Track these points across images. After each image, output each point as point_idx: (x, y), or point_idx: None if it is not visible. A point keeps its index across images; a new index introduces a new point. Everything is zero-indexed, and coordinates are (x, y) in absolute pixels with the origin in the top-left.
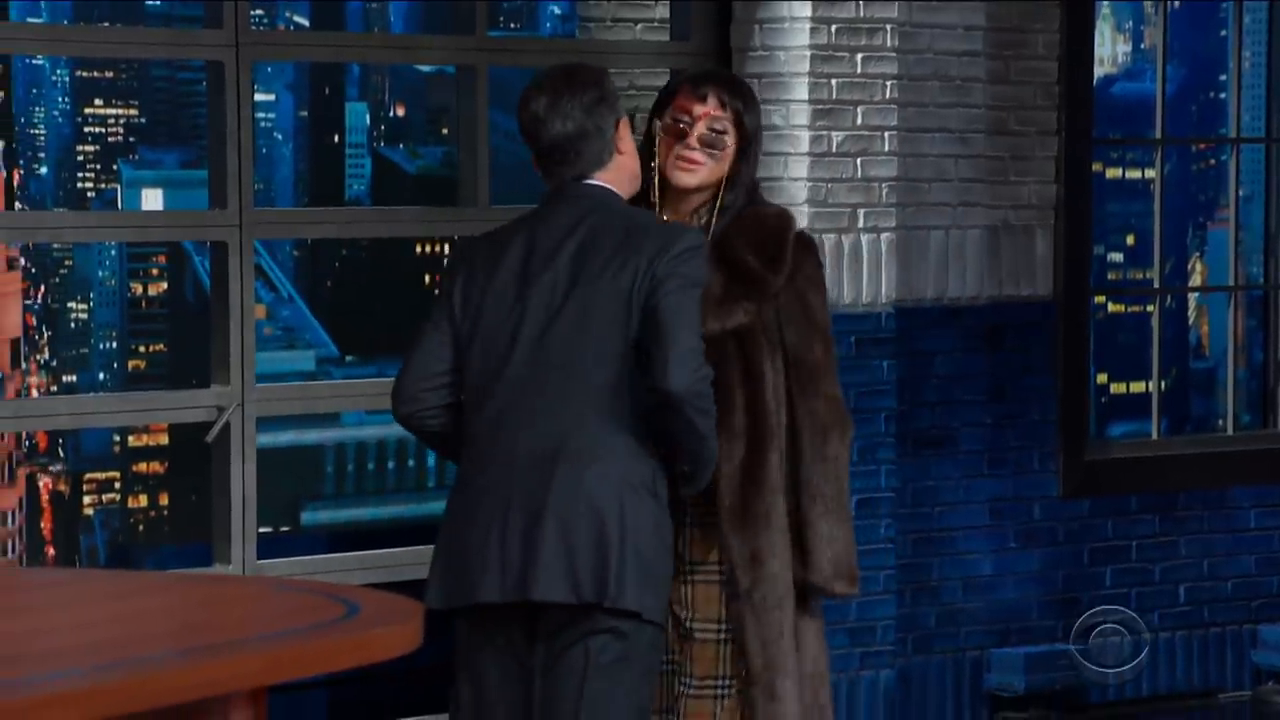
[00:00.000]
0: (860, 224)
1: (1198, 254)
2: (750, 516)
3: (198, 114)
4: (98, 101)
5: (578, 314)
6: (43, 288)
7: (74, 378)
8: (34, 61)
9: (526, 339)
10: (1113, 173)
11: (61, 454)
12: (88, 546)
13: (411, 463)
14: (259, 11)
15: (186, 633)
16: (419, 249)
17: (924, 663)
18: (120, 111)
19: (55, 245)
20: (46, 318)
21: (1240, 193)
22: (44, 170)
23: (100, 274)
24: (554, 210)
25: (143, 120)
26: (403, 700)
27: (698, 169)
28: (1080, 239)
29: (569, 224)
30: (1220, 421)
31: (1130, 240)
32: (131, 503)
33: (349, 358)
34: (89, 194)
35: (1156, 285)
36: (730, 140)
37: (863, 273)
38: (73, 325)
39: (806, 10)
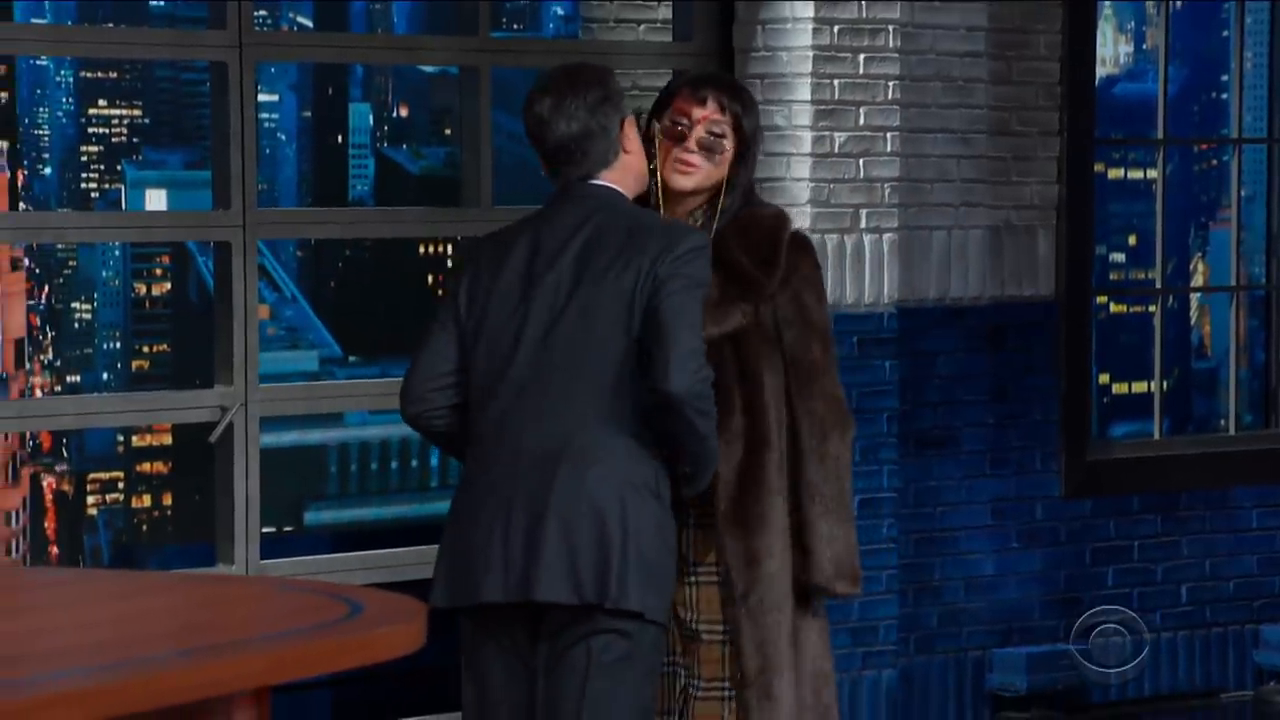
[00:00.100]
0: (862, 224)
1: (1200, 254)
2: (747, 518)
3: (201, 114)
4: (102, 102)
5: (581, 314)
6: (47, 288)
7: (78, 378)
8: (38, 62)
9: (530, 339)
10: (1115, 173)
11: (65, 454)
12: (91, 546)
13: (415, 463)
14: (262, 12)
15: (189, 633)
16: (422, 249)
17: (926, 663)
18: (124, 112)
19: (59, 245)
20: (50, 318)
21: (1242, 193)
22: (48, 171)
23: (104, 274)
24: (559, 210)
25: (146, 121)
26: (406, 700)
27: (695, 172)
28: (1082, 239)
29: (574, 224)
30: (1222, 421)
31: (1132, 240)
32: (135, 503)
33: (352, 358)
34: (93, 194)
35: (1158, 285)
36: (729, 144)
37: (865, 273)
38: (76, 325)
39: (809, 11)
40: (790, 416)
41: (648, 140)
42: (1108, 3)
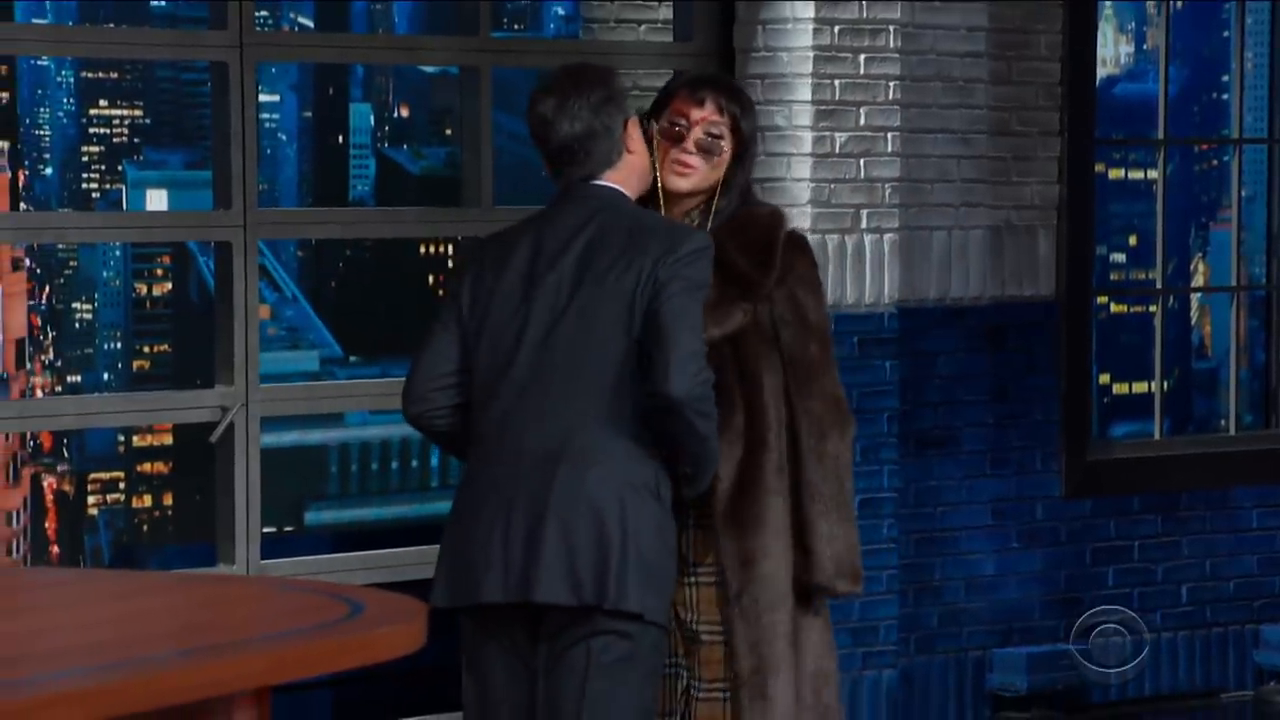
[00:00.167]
0: (863, 224)
1: (1200, 254)
2: (744, 519)
3: (202, 115)
4: (102, 102)
5: (582, 315)
6: (47, 288)
7: (78, 378)
8: (39, 62)
9: (531, 339)
10: (1115, 173)
11: (66, 454)
12: (92, 546)
13: (415, 463)
14: (263, 12)
15: (190, 633)
16: (423, 249)
17: (926, 663)
18: (125, 112)
19: (60, 246)
20: (51, 318)
21: (1243, 193)
22: (49, 171)
23: (105, 274)
24: (561, 211)
25: (147, 121)
26: (406, 700)
27: (692, 173)
28: (1083, 239)
29: (576, 225)
30: (1222, 422)
31: (1133, 241)
32: (136, 503)
33: (353, 358)
34: (94, 194)
35: (1159, 286)
36: (726, 145)
37: (865, 273)
38: (77, 325)
39: (809, 11)
40: (789, 416)
41: (646, 141)
42: (1108, 3)
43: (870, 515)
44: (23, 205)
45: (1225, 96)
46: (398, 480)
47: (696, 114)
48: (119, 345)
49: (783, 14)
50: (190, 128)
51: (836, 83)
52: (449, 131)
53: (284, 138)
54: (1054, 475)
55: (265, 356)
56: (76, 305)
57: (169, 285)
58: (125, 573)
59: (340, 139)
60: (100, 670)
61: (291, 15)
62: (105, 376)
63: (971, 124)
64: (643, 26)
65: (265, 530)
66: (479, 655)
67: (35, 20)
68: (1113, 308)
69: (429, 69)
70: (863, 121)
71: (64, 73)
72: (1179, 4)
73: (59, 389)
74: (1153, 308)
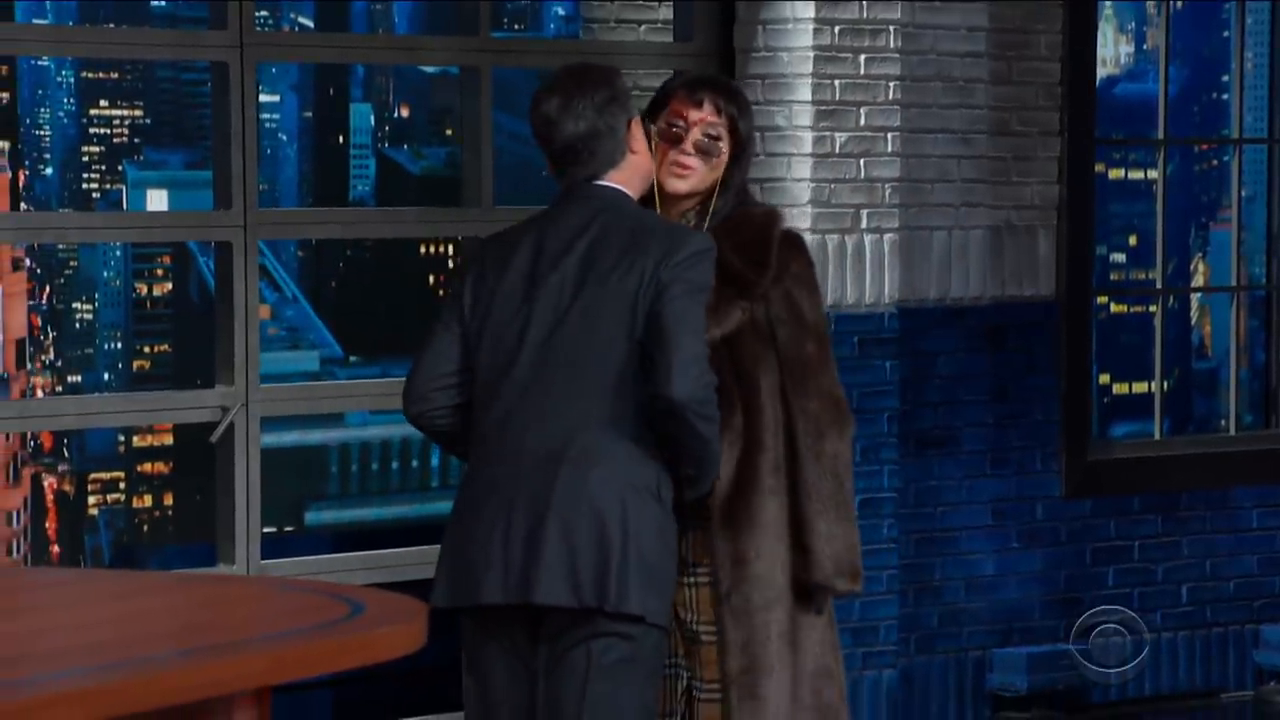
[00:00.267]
0: (863, 224)
1: (1200, 254)
2: (738, 519)
3: (203, 115)
4: (103, 102)
5: (584, 315)
6: (48, 288)
7: (79, 378)
8: (39, 63)
9: (533, 340)
10: (1115, 173)
11: (66, 454)
12: (92, 546)
13: (415, 463)
14: (263, 13)
15: (190, 633)
16: (423, 249)
17: (926, 663)
18: (125, 112)
19: (60, 246)
20: (51, 318)
21: (1243, 193)
22: (49, 171)
23: (105, 274)
24: (564, 211)
25: (148, 121)
26: (407, 700)
27: (691, 174)
28: (1083, 239)
29: (579, 225)
30: (1222, 422)
31: (1133, 241)
32: (136, 503)
33: (353, 358)
34: (94, 195)
35: (1159, 286)
36: (725, 146)
37: (865, 273)
38: (78, 326)
39: (809, 11)
40: (786, 416)
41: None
42: (1108, 3)
43: (870, 515)
44: (23, 205)
45: (1225, 96)
46: (398, 480)
47: (695, 115)
48: (119, 345)
49: (783, 14)
50: (190, 128)
51: (837, 83)
52: (449, 131)
53: (284, 138)
54: (1054, 475)
55: (265, 356)
56: (77, 305)
57: (169, 285)
58: (125, 573)
59: (340, 139)
60: (100, 670)
61: (291, 15)
62: (105, 376)
63: (972, 124)
64: (643, 27)
65: (265, 530)
66: (479, 656)
67: (35, 20)
68: (1113, 308)
69: (429, 69)
70: (863, 121)
71: (64, 73)
72: (1179, 4)
73: (59, 389)
74: (1153, 308)
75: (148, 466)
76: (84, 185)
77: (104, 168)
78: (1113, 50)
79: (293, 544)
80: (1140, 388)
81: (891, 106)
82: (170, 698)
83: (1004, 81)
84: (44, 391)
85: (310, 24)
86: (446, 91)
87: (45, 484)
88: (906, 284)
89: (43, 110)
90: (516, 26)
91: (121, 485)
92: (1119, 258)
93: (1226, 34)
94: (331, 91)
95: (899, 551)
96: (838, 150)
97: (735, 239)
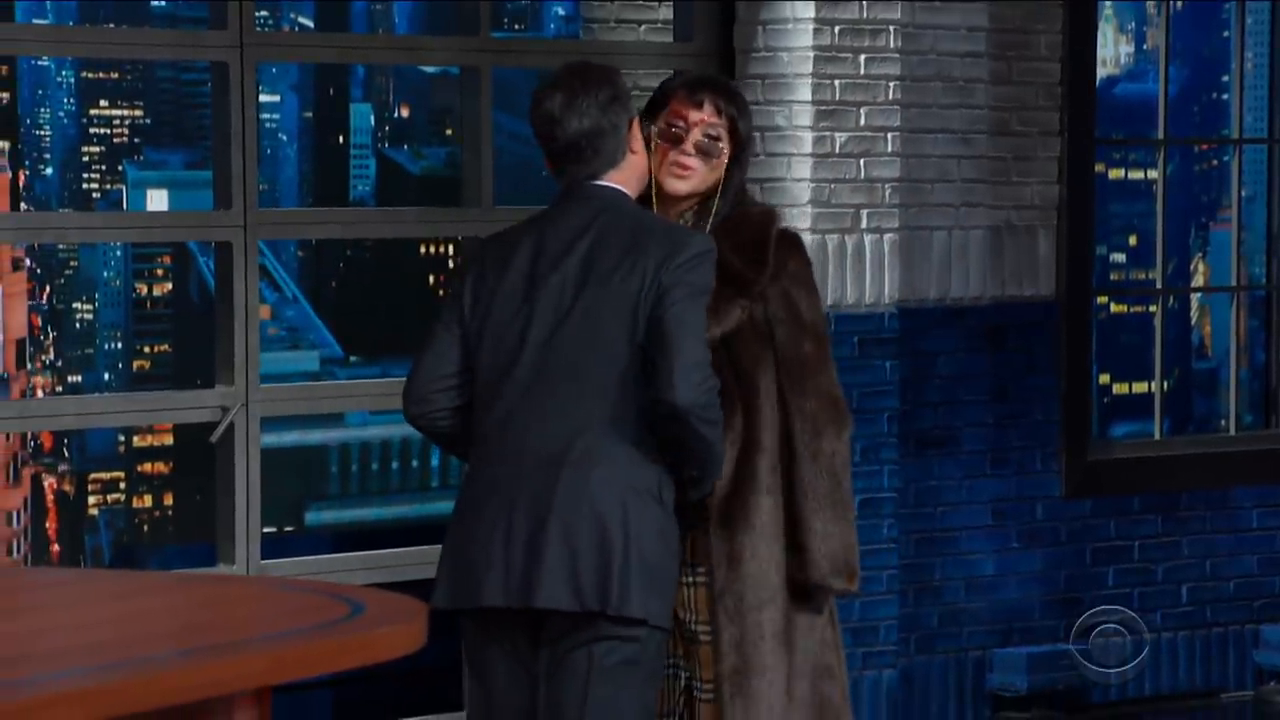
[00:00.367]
0: (863, 225)
1: (1200, 254)
2: (734, 518)
3: (203, 115)
4: (103, 102)
5: (585, 317)
6: (48, 288)
7: (79, 378)
8: (39, 63)
9: (535, 340)
10: (1115, 173)
11: (66, 454)
12: (92, 546)
13: (415, 463)
14: (264, 13)
15: (190, 633)
16: (423, 249)
17: (926, 663)
18: (125, 112)
19: (60, 246)
20: (52, 318)
21: (1243, 193)
22: (49, 171)
23: (105, 274)
24: (564, 211)
25: (148, 121)
26: (407, 700)
27: (692, 175)
28: (1083, 239)
29: (579, 225)
30: (1222, 422)
31: (1133, 241)
32: (136, 503)
33: (353, 358)
34: (94, 195)
35: (1159, 286)
36: (725, 146)
37: (865, 273)
38: (78, 326)
39: (809, 11)
40: (784, 414)
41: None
42: (1108, 3)
43: (870, 515)
44: (23, 205)
45: (1225, 96)
46: (398, 480)
47: (695, 116)
48: (119, 345)
49: (783, 14)
50: (190, 128)
51: (837, 83)
52: (449, 131)
53: (284, 138)
54: (1054, 475)
55: (265, 356)
56: (77, 305)
57: (169, 285)
58: (125, 573)
59: (340, 139)
60: (100, 670)
61: (291, 15)
62: (106, 376)
63: (971, 124)
64: (643, 27)
65: (265, 530)
66: (481, 658)
67: (35, 20)
68: (1113, 308)
69: (429, 69)
70: (863, 122)
71: (64, 73)
72: (1179, 4)
73: (59, 389)
74: (1153, 308)
75: (148, 466)
76: (84, 185)
77: (104, 168)
78: (1113, 50)
79: (293, 544)
80: (1140, 388)
81: (891, 106)
82: (170, 698)
83: (1004, 81)
84: (44, 391)
85: (310, 24)
86: (446, 91)
87: (45, 484)
88: (906, 284)
89: (43, 110)
90: (516, 26)
91: (121, 485)
92: (1119, 258)
93: (1226, 34)
94: (331, 91)
95: (899, 551)
96: (838, 150)
97: (734, 239)
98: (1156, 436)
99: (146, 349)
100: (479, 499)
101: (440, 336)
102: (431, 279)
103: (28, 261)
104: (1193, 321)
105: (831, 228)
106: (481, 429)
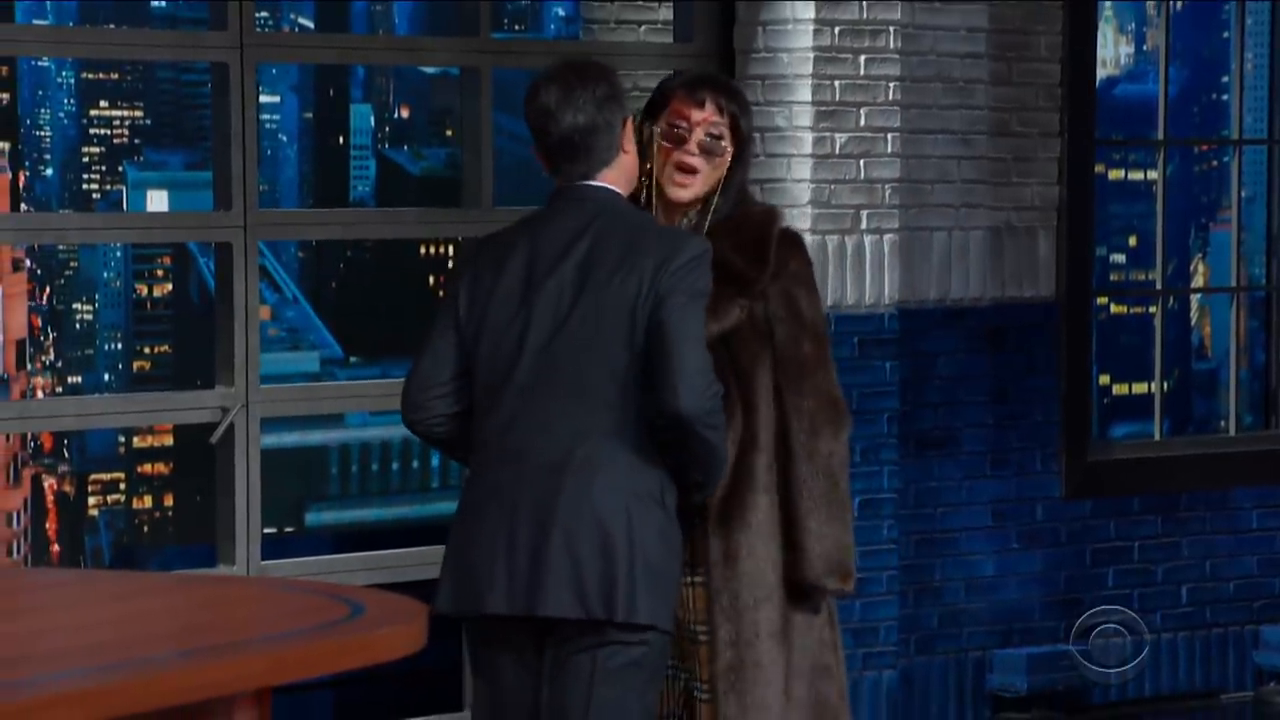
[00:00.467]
0: (863, 225)
1: (1200, 255)
2: (731, 517)
3: (203, 116)
4: (103, 103)
5: (584, 322)
6: (48, 289)
7: (79, 379)
8: (39, 63)
9: (533, 346)
10: (1115, 174)
11: (66, 455)
12: (92, 547)
13: (416, 464)
14: (264, 13)
15: (190, 634)
16: (423, 250)
17: (926, 663)
18: (125, 113)
19: (60, 246)
20: (52, 319)
21: (1243, 194)
22: (49, 172)
23: (105, 275)
24: (559, 212)
25: (148, 122)
26: (407, 701)
27: (694, 182)
28: (1082, 240)
29: (575, 227)
30: (1222, 422)
31: (1133, 241)
32: (136, 504)
33: (353, 359)
34: (94, 195)
35: (1159, 286)
36: (727, 145)
37: (865, 274)
38: (78, 326)
39: (809, 12)
40: (781, 413)
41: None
42: (1108, 3)
43: (870, 516)
44: (23, 206)
45: (1225, 97)
46: (398, 481)
47: (697, 115)
48: (119, 346)
49: (783, 15)
50: (190, 128)
51: (837, 84)
52: (449, 132)
53: (284, 139)
54: (1054, 476)
55: (266, 357)
56: (77, 306)
57: (169, 286)
58: (125, 573)
59: (340, 140)
60: (100, 671)
61: (291, 16)
62: (106, 377)
63: (971, 125)
64: (643, 27)
65: (265, 531)
66: (486, 661)
67: (36, 21)
68: (1113, 308)
69: (429, 70)
70: (863, 122)
71: (64, 74)
72: (1179, 4)
73: (59, 390)
74: (1152, 308)
75: (148, 467)
76: (84, 186)
77: (104, 168)
78: (1113, 51)
79: (293, 545)
80: (1140, 388)
81: (891, 107)
82: (170, 699)
83: (1004, 82)
84: (44, 392)
85: (310, 24)
86: (446, 92)
87: (45, 485)
88: (906, 285)
89: (43, 111)
90: (517, 27)
91: (122, 486)
92: (1119, 258)
93: (1226, 34)
94: (331, 92)
95: (899, 552)
96: (838, 151)
97: (735, 238)
98: (1156, 437)
99: (146, 350)
100: (480, 502)
101: (436, 342)
102: (432, 280)
103: (28, 262)
104: (1193, 322)
105: (831, 228)
106: (482, 434)
